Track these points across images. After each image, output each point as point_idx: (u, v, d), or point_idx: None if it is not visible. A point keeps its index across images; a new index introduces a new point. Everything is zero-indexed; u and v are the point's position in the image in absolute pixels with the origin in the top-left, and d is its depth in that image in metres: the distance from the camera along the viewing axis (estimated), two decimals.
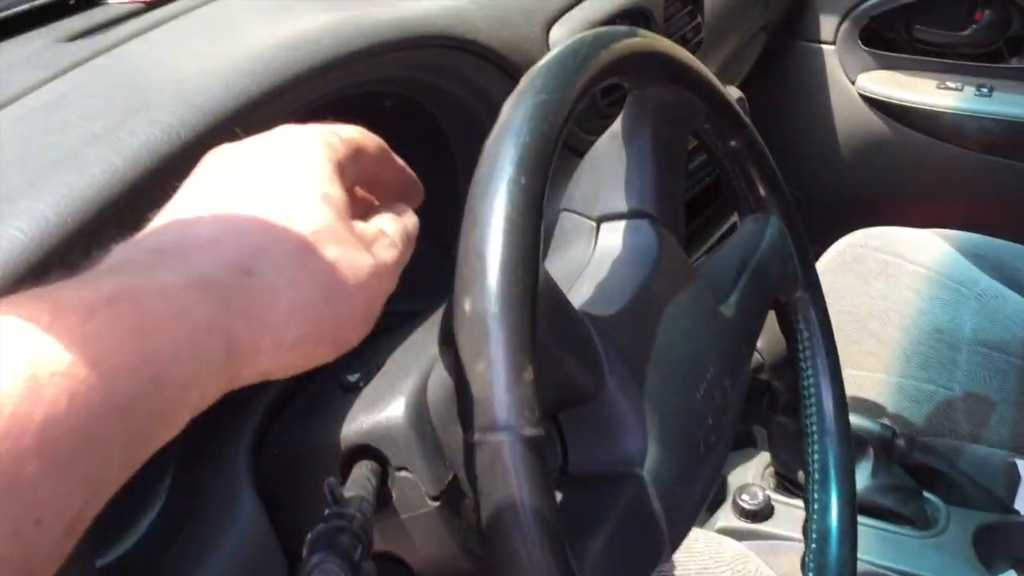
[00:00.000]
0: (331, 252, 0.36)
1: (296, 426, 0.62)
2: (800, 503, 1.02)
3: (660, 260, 0.58)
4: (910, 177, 1.56)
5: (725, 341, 0.61)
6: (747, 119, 0.67)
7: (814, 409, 0.71)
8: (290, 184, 0.37)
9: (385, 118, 0.80)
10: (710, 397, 0.58)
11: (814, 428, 0.71)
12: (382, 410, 0.57)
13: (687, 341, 0.57)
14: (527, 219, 0.43)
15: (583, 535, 0.50)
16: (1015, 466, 1.05)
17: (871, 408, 1.15)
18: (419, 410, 0.56)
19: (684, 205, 0.64)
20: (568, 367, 0.50)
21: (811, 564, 0.68)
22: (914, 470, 1.04)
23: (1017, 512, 1.01)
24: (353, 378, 0.61)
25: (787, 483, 1.03)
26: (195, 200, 0.36)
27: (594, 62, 0.50)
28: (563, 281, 0.59)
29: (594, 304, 0.55)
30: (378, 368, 0.61)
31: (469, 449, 0.42)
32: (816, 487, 0.70)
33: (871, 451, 0.99)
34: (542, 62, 0.49)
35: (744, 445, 1.13)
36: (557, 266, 0.61)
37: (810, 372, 0.72)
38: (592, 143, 0.93)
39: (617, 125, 0.62)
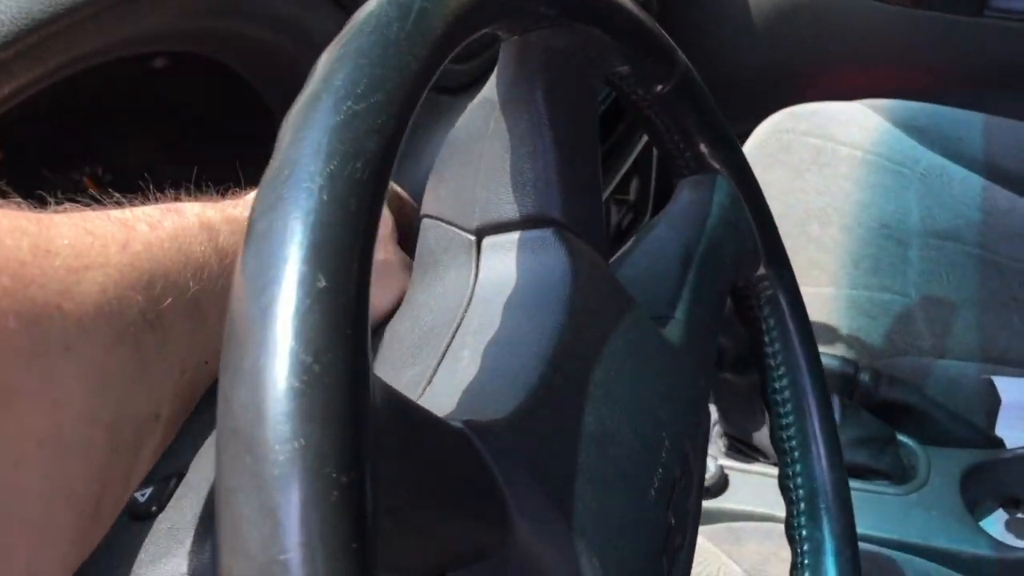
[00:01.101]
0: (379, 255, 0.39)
1: None
2: (757, 468, 0.87)
3: (574, 292, 0.39)
4: (832, 43, 1.37)
5: (679, 386, 0.43)
6: (678, 51, 0.46)
7: (792, 420, 0.54)
8: None
9: (164, 83, 0.58)
10: (668, 484, 0.40)
11: (793, 447, 0.54)
12: (196, 555, 0.37)
13: (628, 413, 0.39)
14: (337, 352, 0.23)
15: None
16: (992, 384, 0.91)
17: (824, 333, 1.00)
18: None
19: (602, 192, 0.44)
20: (446, 532, 0.31)
21: None
22: (881, 408, 0.90)
23: (1001, 442, 0.88)
24: (143, 496, 0.41)
25: (739, 445, 0.87)
26: None
27: (438, 20, 0.29)
28: (430, 342, 0.39)
29: (481, 392, 0.35)
30: (176, 480, 0.41)
31: None
32: (804, 520, 0.54)
33: (835, 399, 0.83)
34: (345, 33, 0.28)
35: None
36: (419, 313, 0.41)
37: (783, 373, 0.54)
38: (467, 75, 0.71)
39: (490, 89, 0.41)
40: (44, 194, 0.32)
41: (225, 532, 0.22)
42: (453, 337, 0.38)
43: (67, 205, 0.30)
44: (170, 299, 0.30)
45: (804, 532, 0.54)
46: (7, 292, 0.24)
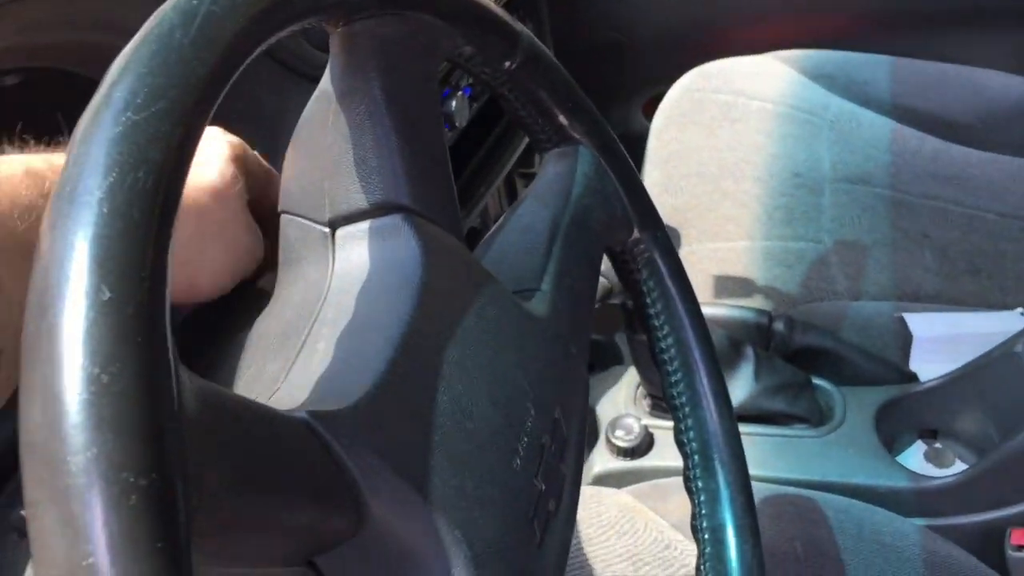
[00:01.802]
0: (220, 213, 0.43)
1: None
2: None
3: (425, 275, 0.39)
4: None
5: (544, 354, 0.44)
6: (519, 25, 0.47)
7: (681, 378, 0.55)
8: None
9: (14, 99, 0.57)
10: (535, 451, 0.41)
11: (684, 402, 0.55)
12: None
13: (487, 386, 0.39)
14: (125, 361, 0.24)
15: None
16: (903, 322, 0.94)
17: (741, 286, 1.02)
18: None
19: (452, 169, 0.45)
20: (294, 519, 0.31)
21: (707, 569, 0.54)
22: (797, 355, 0.92)
23: (915, 376, 0.90)
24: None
25: (663, 404, 0.89)
26: None
27: (229, 23, 0.30)
28: (289, 337, 0.40)
29: (331, 383, 0.36)
30: None
31: None
32: (699, 472, 0.55)
33: (749, 350, 0.85)
34: (129, 46, 0.29)
35: (610, 364, 0.98)
36: (283, 308, 0.42)
37: (668, 332, 0.55)
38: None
39: (326, 81, 0.41)
40: None
41: (34, 545, 0.23)
42: (311, 330, 0.39)
43: None
44: (7, 239, 0.32)
45: (700, 483, 0.56)
46: None
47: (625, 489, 0.82)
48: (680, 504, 0.80)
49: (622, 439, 0.86)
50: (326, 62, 0.63)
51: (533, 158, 1.01)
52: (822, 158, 1.16)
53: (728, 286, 1.02)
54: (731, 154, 1.16)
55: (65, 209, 0.25)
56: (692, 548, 0.76)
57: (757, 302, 0.99)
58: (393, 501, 0.34)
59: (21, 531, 0.41)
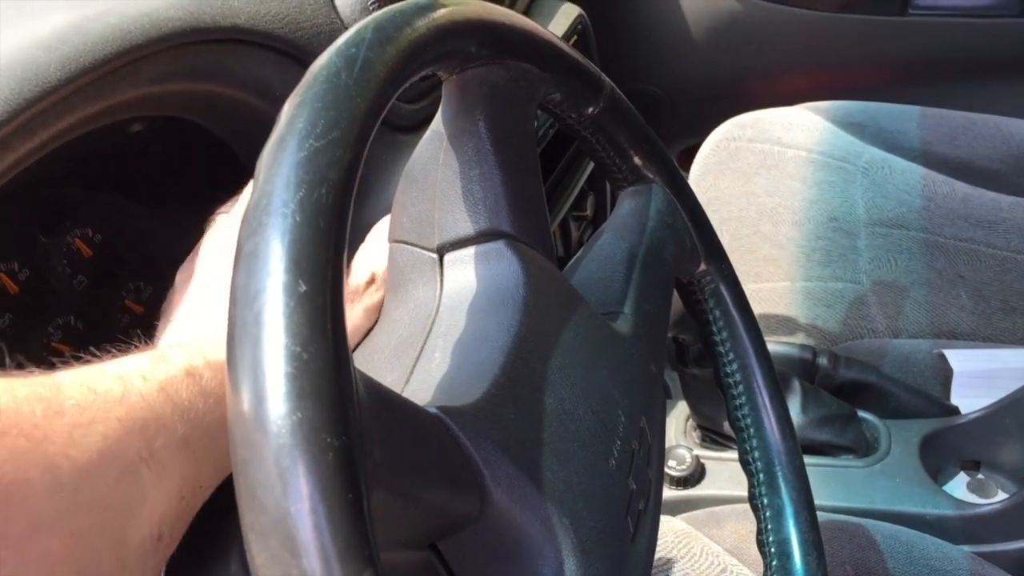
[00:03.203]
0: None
1: None
2: (731, 455, 0.92)
3: (528, 294, 0.44)
4: (769, 53, 1.45)
5: (631, 369, 0.48)
6: (602, 75, 0.52)
7: (745, 401, 0.59)
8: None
9: (142, 145, 0.63)
10: (627, 454, 0.45)
11: (748, 424, 0.59)
12: (206, 561, 0.42)
13: (584, 393, 0.44)
14: (320, 343, 0.28)
15: None
16: (943, 358, 0.97)
17: (783, 324, 1.06)
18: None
19: (546, 204, 0.49)
20: (431, 499, 0.36)
21: None
22: (841, 389, 0.95)
23: (956, 409, 0.93)
24: None
25: (712, 436, 0.92)
26: (200, 298, 0.50)
27: (380, 67, 0.35)
28: (406, 349, 0.44)
29: (452, 384, 0.41)
30: None
31: None
32: (764, 490, 0.59)
33: (796, 383, 0.89)
34: (302, 84, 0.34)
35: None
36: (395, 326, 0.46)
37: (733, 358, 0.59)
38: (418, 114, 0.77)
39: (438, 123, 0.47)
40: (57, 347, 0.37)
41: (243, 494, 0.27)
42: (425, 342, 0.43)
43: (73, 363, 0.35)
44: (162, 439, 0.36)
45: (765, 500, 0.59)
46: (25, 450, 0.30)
47: (679, 516, 0.85)
48: (734, 531, 0.83)
49: (675, 469, 0.89)
50: (404, 112, 0.69)
51: (586, 202, 1.07)
52: (856, 203, 1.20)
53: (771, 324, 1.06)
54: (768, 199, 1.21)
55: (264, 218, 0.30)
56: (747, 572, 0.79)
57: (799, 339, 1.03)
58: (511, 490, 0.38)
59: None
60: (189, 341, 0.45)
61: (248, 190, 0.55)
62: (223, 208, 0.56)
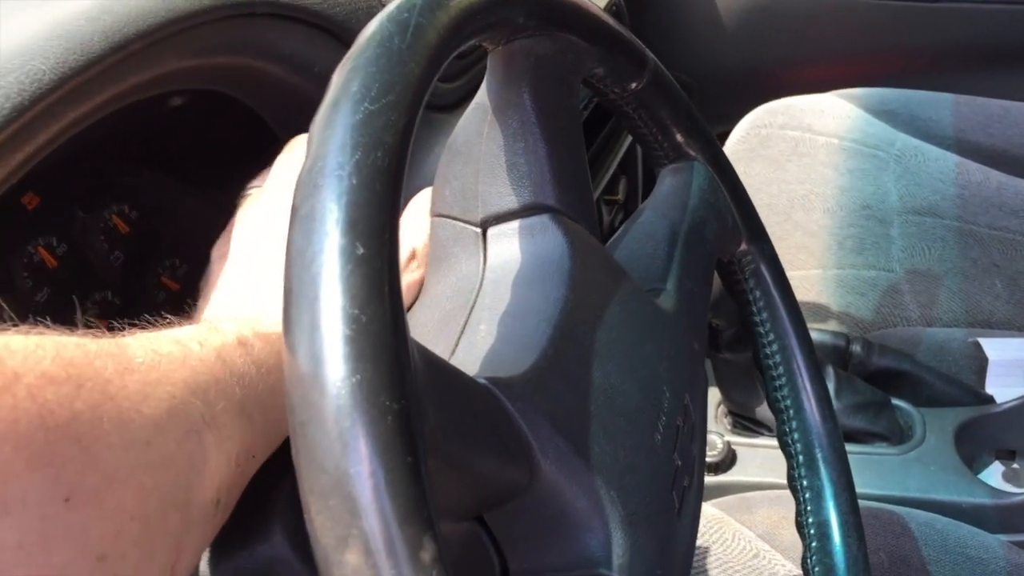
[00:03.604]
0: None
1: None
2: (762, 442, 0.92)
3: (574, 267, 0.43)
4: (801, 39, 1.43)
5: (675, 346, 0.48)
6: (646, 50, 0.51)
7: (785, 382, 0.59)
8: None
9: (180, 120, 0.63)
10: (672, 429, 0.45)
11: (788, 405, 0.59)
12: (249, 537, 0.42)
13: (630, 368, 0.43)
14: (378, 305, 0.28)
15: None
16: (979, 346, 0.96)
17: (816, 311, 1.05)
18: (298, 527, 0.42)
19: (590, 179, 0.49)
20: (481, 468, 0.35)
21: (814, 563, 0.57)
22: (875, 376, 0.94)
23: (991, 398, 0.92)
24: None
25: (744, 422, 0.92)
26: (238, 274, 0.50)
27: (432, 32, 0.34)
28: (449, 322, 0.44)
29: (499, 356, 0.40)
30: None
31: None
32: (804, 471, 0.58)
33: (829, 370, 0.88)
34: (355, 50, 0.33)
35: None
36: (438, 300, 0.46)
37: (772, 338, 0.59)
38: (458, 92, 0.76)
39: (482, 96, 0.46)
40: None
41: (302, 455, 0.27)
42: (469, 315, 0.43)
43: (133, 330, 0.36)
44: (223, 403, 0.36)
45: (805, 482, 0.59)
46: (100, 403, 0.30)
47: (711, 502, 0.85)
48: (766, 516, 0.83)
49: (707, 455, 0.88)
50: (441, 91, 0.68)
51: (618, 186, 1.06)
52: (889, 191, 1.19)
53: (803, 312, 1.05)
54: (800, 187, 1.20)
55: (319, 180, 0.30)
56: (779, 557, 0.78)
57: (832, 327, 1.02)
58: (560, 461, 0.38)
59: None
60: (236, 313, 0.45)
61: (279, 162, 0.55)
62: (254, 182, 0.56)
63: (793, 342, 0.59)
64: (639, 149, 1.12)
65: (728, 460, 0.89)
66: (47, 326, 0.32)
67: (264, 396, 0.38)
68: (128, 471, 0.30)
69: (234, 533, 0.41)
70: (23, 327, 0.31)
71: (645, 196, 1.06)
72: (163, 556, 0.32)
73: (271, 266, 0.49)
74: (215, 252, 0.53)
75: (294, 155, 0.54)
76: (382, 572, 0.26)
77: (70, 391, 0.29)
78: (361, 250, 0.28)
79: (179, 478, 0.33)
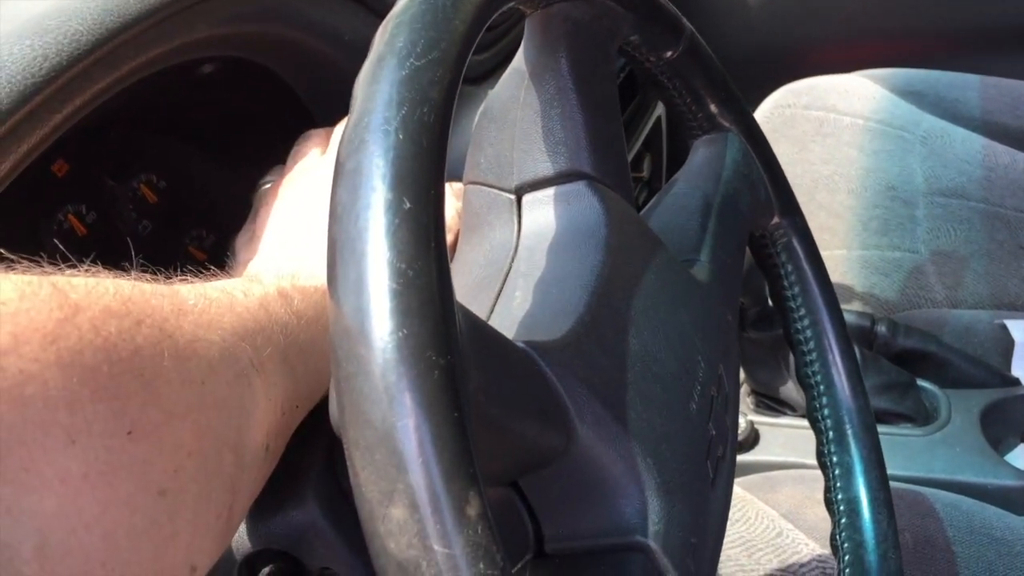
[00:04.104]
0: None
1: None
2: (785, 421, 0.91)
3: (610, 234, 0.43)
4: (825, 18, 1.41)
5: (709, 316, 0.47)
6: (683, 18, 0.51)
7: (815, 357, 0.58)
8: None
9: (209, 90, 0.62)
10: (707, 399, 0.44)
11: (818, 380, 0.58)
12: (283, 502, 0.42)
13: (666, 336, 0.43)
14: (425, 260, 0.28)
15: None
16: (1005, 328, 0.95)
17: (840, 292, 1.04)
18: (331, 494, 0.42)
19: (626, 147, 0.48)
20: (520, 431, 0.35)
21: (843, 539, 0.57)
22: (900, 357, 0.93)
23: (1017, 380, 0.92)
24: None
25: (767, 401, 0.91)
26: (269, 243, 0.50)
27: None
28: (483, 289, 0.43)
29: (536, 321, 0.40)
30: None
31: None
32: (833, 447, 0.58)
33: (856, 350, 0.87)
34: (399, 7, 0.33)
35: None
36: (470, 267, 0.46)
37: (804, 313, 0.58)
38: (487, 64, 0.76)
39: (519, 61, 0.46)
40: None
41: (347, 409, 0.27)
42: (504, 282, 0.43)
43: (180, 277, 0.36)
44: (269, 349, 0.37)
45: (835, 458, 0.58)
46: (158, 340, 0.30)
47: (735, 481, 0.85)
48: (789, 496, 0.83)
49: None
50: (470, 62, 0.68)
51: (643, 163, 1.05)
52: (915, 172, 1.18)
53: None
54: (824, 167, 1.19)
55: (365, 135, 0.29)
56: (803, 536, 0.78)
57: (856, 307, 1.02)
58: (597, 427, 0.37)
59: None
60: (275, 268, 0.46)
61: (292, 155, 0.55)
62: (268, 176, 0.56)
63: (824, 317, 0.59)
64: (664, 127, 1.11)
65: (752, 439, 0.88)
66: (100, 268, 0.32)
67: (305, 346, 0.38)
68: (185, 408, 0.30)
69: (268, 498, 0.41)
70: (80, 268, 0.31)
71: (670, 174, 1.05)
72: (219, 495, 0.32)
73: (302, 229, 0.49)
74: (239, 240, 0.53)
75: (306, 146, 0.54)
76: (427, 526, 0.26)
77: (131, 326, 0.29)
78: (408, 205, 0.28)
79: (231, 419, 0.33)
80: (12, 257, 0.30)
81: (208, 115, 0.67)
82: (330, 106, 0.61)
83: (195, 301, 0.33)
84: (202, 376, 0.31)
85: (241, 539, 0.42)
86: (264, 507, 0.41)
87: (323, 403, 0.45)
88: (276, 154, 0.57)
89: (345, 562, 0.42)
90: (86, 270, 0.31)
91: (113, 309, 0.29)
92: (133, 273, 0.33)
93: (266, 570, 0.43)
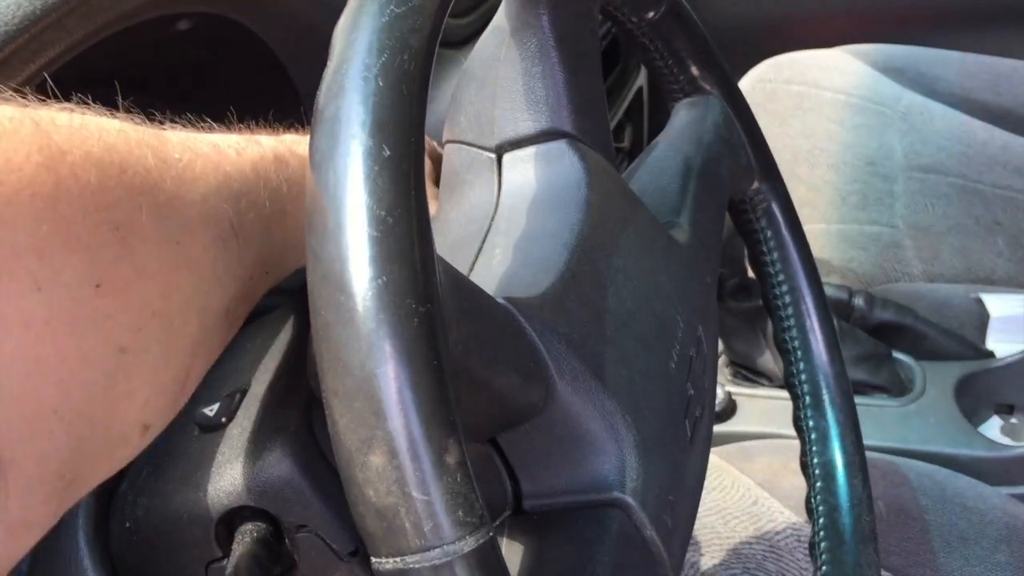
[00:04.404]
0: None
1: (148, 486, 0.46)
2: (762, 392, 0.92)
3: (591, 193, 0.43)
4: None
5: (688, 277, 0.47)
6: None
7: (793, 323, 0.58)
8: None
9: (185, 46, 0.62)
10: (685, 359, 0.44)
11: (796, 346, 0.58)
12: (259, 459, 0.41)
13: (646, 295, 0.43)
14: (405, 208, 0.27)
15: None
16: (980, 302, 0.96)
17: (819, 266, 1.04)
18: (309, 451, 0.42)
19: (607, 106, 0.48)
20: (500, 386, 0.35)
21: (818, 502, 0.57)
22: (876, 330, 0.94)
23: (991, 353, 0.93)
24: (211, 411, 0.45)
25: (744, 372, 0.92)
26: None
27: None
28: (463, 247, 0.43)
29: (515, 278, 0.40)
30: (241, 395, 0.45)
31: None
32: (810, 412, 0.58)
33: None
34: None
35: None
36: (450, 226, 0.45)
37: (783, 279, 0.58)
38: (466, 28, 0.75)
39: (500, 19, 0.45)
40: (154, 112, 0.36)
41: (326, 357, 0.26)
42: (484, 240, 0.43)
43: (172, 125, 0.34)
44: (252, 214, 0.36)
45: (811, 423, 0.58)
46: (140, 191, 0.29)
47: (711, 450, 0.85)
48: (765, 465, 0.83)
49: None
50: (452, 26, 0.67)
51: (624, 133, 1.05)
52: (894, 147, 1.18)
53: None
54: (805, 142, 1.19)
55: (345, 82, 0.29)
56: (778, 504, 0.79)
57: (834, 281, 1.02)
58: (576, 382, 0.37)
59: (204, 426, 0.44)
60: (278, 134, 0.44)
61: None
62: None
63: (803, 283, 0.59)
64: (645, 96, 1.11)
65: (728, 410, 0.89)
66: (88, 105, 0.30)
67: (289, 215, 0.38)
68: (157, 267, 0.30)
69: (245, 455, 0.40)
70: (67, 104, 0.30)
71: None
72: (179, 358, 0.32)
73: None
74: None
75: None
76: (406, 473, 0.26)
77: (112, 176, 0.28)
78: (388, 152, 0.28)
79: (201, 283, 0.32)
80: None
81: (183, 73, 0.66)
82: (306, 64, 0.61)
83: (181, 155, 0.32)
84: (178, 236, 0.31)
85: (218, 497, 0.42)
86: (241, 464, 0.41)
87: (299, 360, 0.45)
88: (251, 112, 0.57)
89: (322, 520, 0.41)
90: (71, 108, 0.30)
91: (95, 156, 0.28)
92: (120, 115, 0.32)
93: (243, 527, 0.43)
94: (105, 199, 0.28)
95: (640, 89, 1.07)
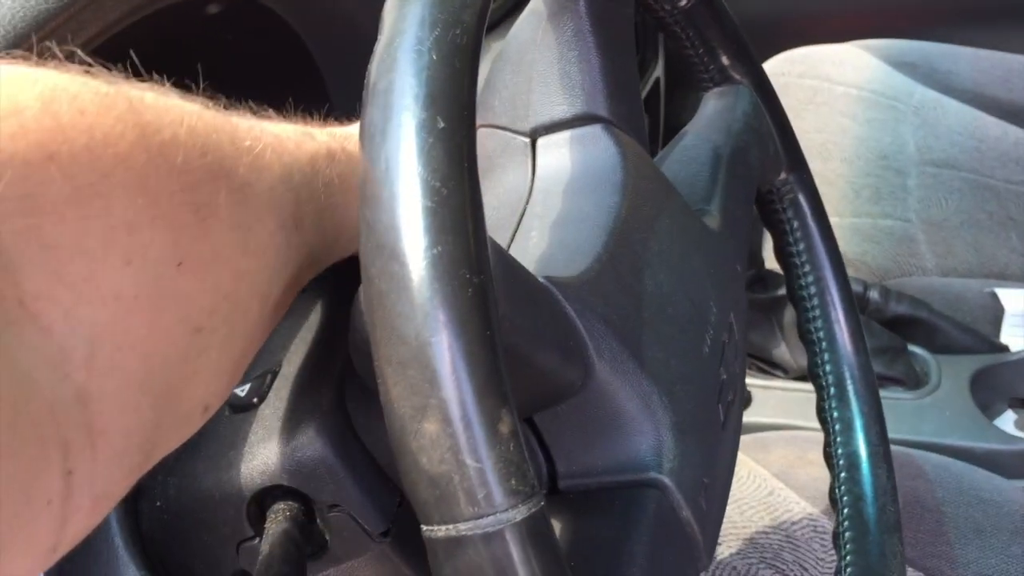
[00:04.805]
0: None
1: (179, 467, 0.46)
2: (778, 384, 0.92)
3: (626, 177, 0.43)
4: None
5: (720, 263, 0.47)
6: None
7: (819, 313, 0.59)
8: None
9: (214, 30, 0.61)
10: (719, 344, 0.44)
11: (821, 337, 0.59)
12: (292, 439, 0.42)
13: (680, 279, 0.43)
14: (459, 179, 0.27)
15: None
16: (995, 296, 0.96)
17: None
18: (341, 431, 0.42)
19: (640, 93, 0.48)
20: (541, 363, 0.35)
21: (842, 492, 0.57)
22: (892, 323, 0.94)
23: (1006, 347, 0.93)
24: (242, 392, 0.45)
25: (760, 363, 0.92)
26: None
27: None
28: (497, 230, 0.43)
29: (552, 259, 0.40)
30: (272, 376, 0.45)
31: (434, 547, 0.28)
32: (834, 403, 0.58)
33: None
34: None
35: None
36: (485, 209, 0.45)
37: (809, 270, 0.59)
38: (495, 15, 0.75)
39: (537, 3, 0.45)
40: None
41: (379, 326, 0.26)
42: (519, 223, 0.43)
43: (234, 111, 0.35)
44: (311, 205, 0.36)
45: (835, 414, 0.59)
46: (217, 174, 0.30)
47: None
48: (781, 456, 0.83)
49: None
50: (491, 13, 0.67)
51: None
52: (907, 142, 1.18)
53: None
54: (818, 136, 1.19)
55: (398, 55, 0.29)
56: (794, 496, 0.79)
57: (848, 274, 1.02)
58: (614, 363, 0.37)
59: (235, 406, 0.45)
60: (330, 128, 0.45)
61: None
62: None
63: (828, 273, 0.59)
64: (662, 89, 1.11)
65: (745, 401, 0.89)
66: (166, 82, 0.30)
67: (339, 210, 0.38)
68: (231, 250, 0.30)
69: (278, 434, 0.41)
70: (146, 81, 0.30)
71: (668, 136, 1.05)
72: (241, 343, 0.33)
73: None
74: None
75: None
76: (460, 441, 0.26)
77: (195, 158, 0.29)
78: (442, 124, 0.28)
79: (265, 269, 0.33)
80: (89, 60, 0.29)
81: (212, 57, 0.66)
82: (335, 52, 0.61)
83: (251, 143, 0.32)
84: (250, 222, 0.31)
85: (251, 476, 0.42)
86: (276, 444, 0.41)
87: (330, 341, 0.45)
88: (278, 99, 0.57)
89: (355, 500, 0.41)
90: (154, 88, 0.30)
91: (180, 137, 0.28)
92: (196, 98, 0.32)
93: (275, 507, 0.43)
94: (189, 180, 0.28)
95: (657, 80, 1.07)
